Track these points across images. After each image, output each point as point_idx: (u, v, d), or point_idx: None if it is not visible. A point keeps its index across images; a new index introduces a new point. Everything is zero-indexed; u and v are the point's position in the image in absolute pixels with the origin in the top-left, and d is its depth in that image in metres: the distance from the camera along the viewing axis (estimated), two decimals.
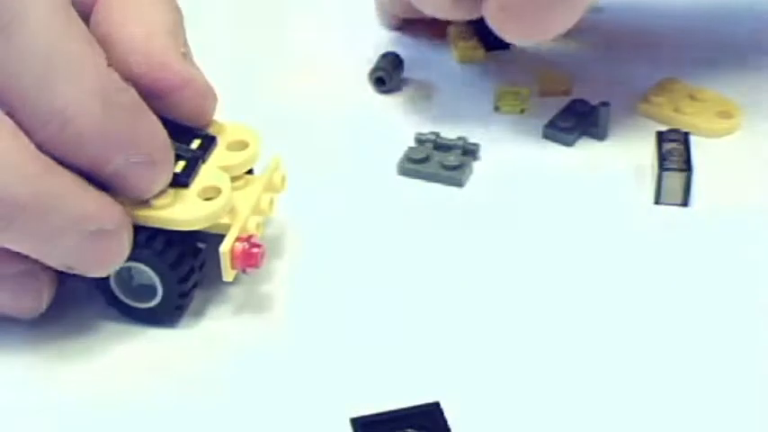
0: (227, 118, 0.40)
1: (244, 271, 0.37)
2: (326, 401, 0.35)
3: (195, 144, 0.38)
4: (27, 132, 0.34)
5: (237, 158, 0.38)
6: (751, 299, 0.38)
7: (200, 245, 0.38)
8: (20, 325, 0.37)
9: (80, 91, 0.34)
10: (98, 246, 0.35)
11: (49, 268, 0.36)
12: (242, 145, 0.39)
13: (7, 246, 0.35)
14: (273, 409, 0.35)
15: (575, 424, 0.35)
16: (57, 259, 0.36)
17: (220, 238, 0.37)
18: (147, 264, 0.37)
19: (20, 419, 0.35)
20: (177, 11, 0.41)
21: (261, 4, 0.54)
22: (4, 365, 0.37)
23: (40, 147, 0.34)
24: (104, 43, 0.37)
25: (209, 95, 0.39)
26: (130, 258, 0.36)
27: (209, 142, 0.38)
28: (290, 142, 0.42)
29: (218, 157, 0.38)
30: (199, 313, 0.38)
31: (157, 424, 0.35)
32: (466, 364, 0.36)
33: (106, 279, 0.37)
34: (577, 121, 0.46)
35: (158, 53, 0.38)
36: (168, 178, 0.36)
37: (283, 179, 0.40)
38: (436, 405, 0.35)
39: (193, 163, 0.37)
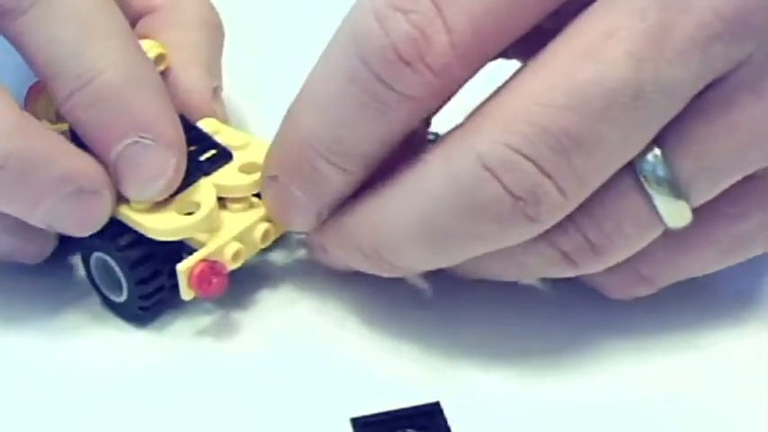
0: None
1: (203, 297, 0.36)
2: (327, 401, 0.35)
3: (206, 155, 0.38)
4: (57, 95, 0.35)
5: (241, 181, 0.37)
6: None
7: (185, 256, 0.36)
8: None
9: (111, 56, 0.35)
10: (79, 205, 0.35)
11: None
12: (255, 168, 0.37)
13: None
14: (274, 409, 0.35)
15: (574, 424, 0.35)
16: (37, 218, 0.35)
17: None
18: (113, 258, 0.36)
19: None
20: (218, 29, 0.42)
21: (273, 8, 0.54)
22: None
23: (64, 107, 0.35)
24: None
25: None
26: (101, 249, 0.36)
27: (222, 157, 0.38)
28: None
29: (223, 174, 0.37)
30: (197, 308, 0.38)
31: (156, 423, 0.35)
32: (466, 364, 0.36)
33: (89, 267, 0.37)
34: None
35: (188, 88, 0.40)
36: (178, 179, 0.36)
37: None
38: (436, 405, 0.35)
39: (191, 174, 0.37)
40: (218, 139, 0.38)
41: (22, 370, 0.36)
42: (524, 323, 0.38)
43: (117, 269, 0.36)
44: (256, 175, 0.37)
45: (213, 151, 0.38)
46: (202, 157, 0.38)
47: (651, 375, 0.36)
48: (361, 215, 0.35)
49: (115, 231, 0.36)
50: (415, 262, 0.35)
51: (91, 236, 0.36)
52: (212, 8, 0.43)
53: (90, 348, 0.37)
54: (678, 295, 0.37)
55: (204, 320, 0.38)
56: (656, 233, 0.34)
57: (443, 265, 0.35)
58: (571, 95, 0.31)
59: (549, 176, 0.31)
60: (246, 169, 0.38)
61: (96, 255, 0.37)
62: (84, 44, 0.35)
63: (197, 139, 0.38)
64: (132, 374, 0.36)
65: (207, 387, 0.36)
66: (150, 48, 0.39)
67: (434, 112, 0.35)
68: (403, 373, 0.36)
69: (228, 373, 0.36)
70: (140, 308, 0.37)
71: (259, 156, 0.38)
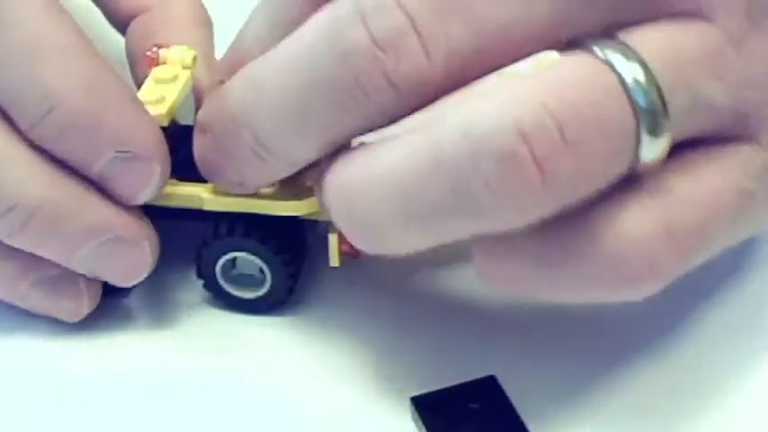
0: None
1: (353, 256, 0.36)
2: (385, 382, 0.35)
3: None
4: (18, 125, 0.34)
5: None
6: None
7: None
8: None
9: (67, 77, 0.34)
10: (118, 255, 0.35)
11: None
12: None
13: (30, 250, 0.35)
14: (334, 392, 0.35)
15: (627, 395, 0.35)
16: (80, 267, 0.35)
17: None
18: (252, 252, 0.36)
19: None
20: (209, 25, 0.42)
21: None
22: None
23: (29, 136, 0.34)
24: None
25: None
26: (235, 248, 0.36)
27: None
28: None
29: None
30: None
31: (216, 398, 0.35)
32: (518, 337, 0.37)
33: (213, 272, 0.37)
34: None
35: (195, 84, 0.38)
36: (163, 179, 0.35)
37: None
38: (492, 378, 0.35)
39: None
40: None
41: (22, 370, 0.37)
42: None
43: (258, 262, 0.37)
44: None
45: None
46: None
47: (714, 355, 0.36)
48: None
49: (243, 227, 0.36)
50: None
51: (226, 238, 0.36)
52: (202, 6, 0.43)
53: (90, 348, 0.37)
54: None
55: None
56: None
57: None
58: None
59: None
60: None
61: (226, 258, 0.37)
62: (38, 68, 0.34)
63: None
64: (147, 374, 0.36)
65: (264, 366, 0.36)
66: (184, 54, 0.38)
67: None
68: (457, 350, 0.36)
69: (288, 354, 0.37)
70: (289, 289, 0.37)
71: None
